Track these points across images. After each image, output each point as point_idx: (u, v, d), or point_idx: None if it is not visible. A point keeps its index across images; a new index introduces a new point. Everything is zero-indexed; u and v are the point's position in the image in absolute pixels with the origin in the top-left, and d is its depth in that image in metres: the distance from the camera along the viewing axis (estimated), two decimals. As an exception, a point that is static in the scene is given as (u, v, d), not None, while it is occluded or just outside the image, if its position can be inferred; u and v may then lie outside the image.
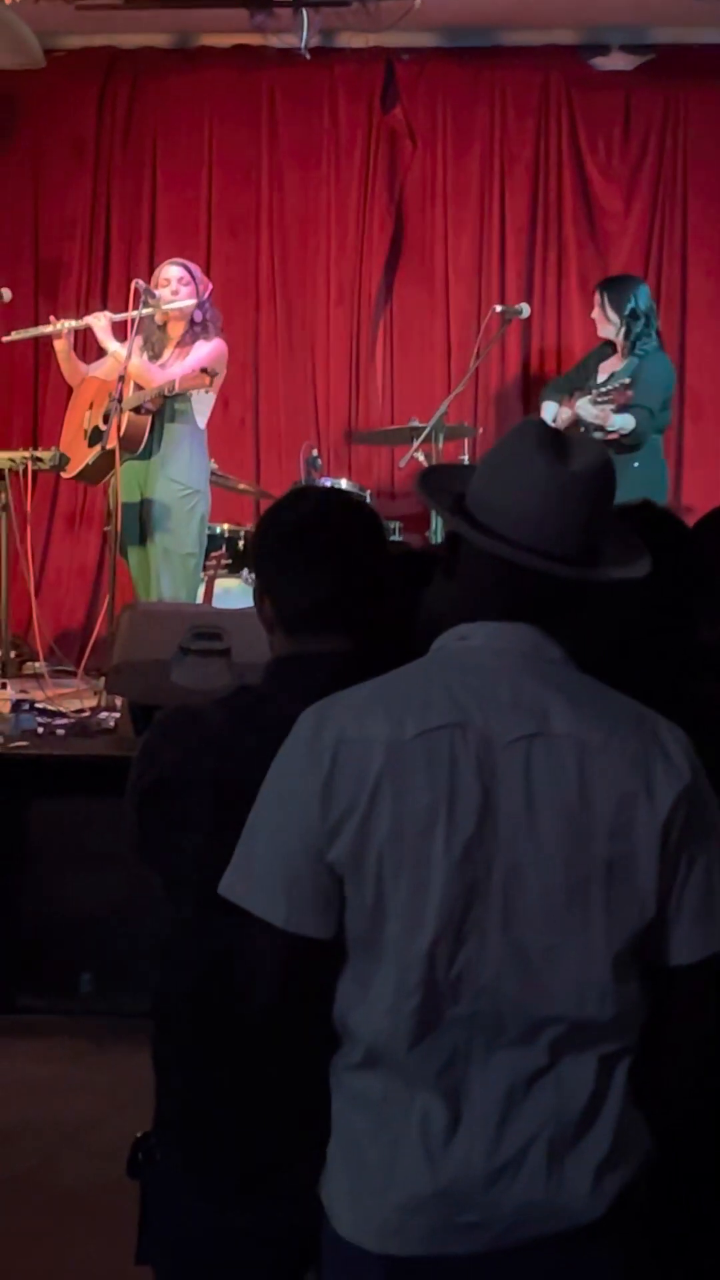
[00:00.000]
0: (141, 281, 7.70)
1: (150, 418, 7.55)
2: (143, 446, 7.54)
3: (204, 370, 7.45)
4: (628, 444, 7.65)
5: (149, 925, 2.64)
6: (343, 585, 2.54)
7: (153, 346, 7.68)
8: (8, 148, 9.89)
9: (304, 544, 2.56)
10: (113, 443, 7.36)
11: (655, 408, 7.78)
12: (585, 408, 7.71)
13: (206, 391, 7.59)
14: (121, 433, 7.40)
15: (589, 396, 7.74)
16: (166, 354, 7.71)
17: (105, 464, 7.57)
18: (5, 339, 8.29)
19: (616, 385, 7.66)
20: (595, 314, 8.16)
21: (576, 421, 7.73)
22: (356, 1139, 2.15)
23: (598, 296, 8.17)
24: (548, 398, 8.19)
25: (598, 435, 7.61)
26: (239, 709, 2.53)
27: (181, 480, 7.65)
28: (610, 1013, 2.10)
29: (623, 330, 7.98)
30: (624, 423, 7.67)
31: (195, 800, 2.46)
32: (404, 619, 2.59)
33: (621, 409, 7.64)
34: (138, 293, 7.57)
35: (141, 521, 7.64)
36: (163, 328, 7.72)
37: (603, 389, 7.73)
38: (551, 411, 7.94)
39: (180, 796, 2.48)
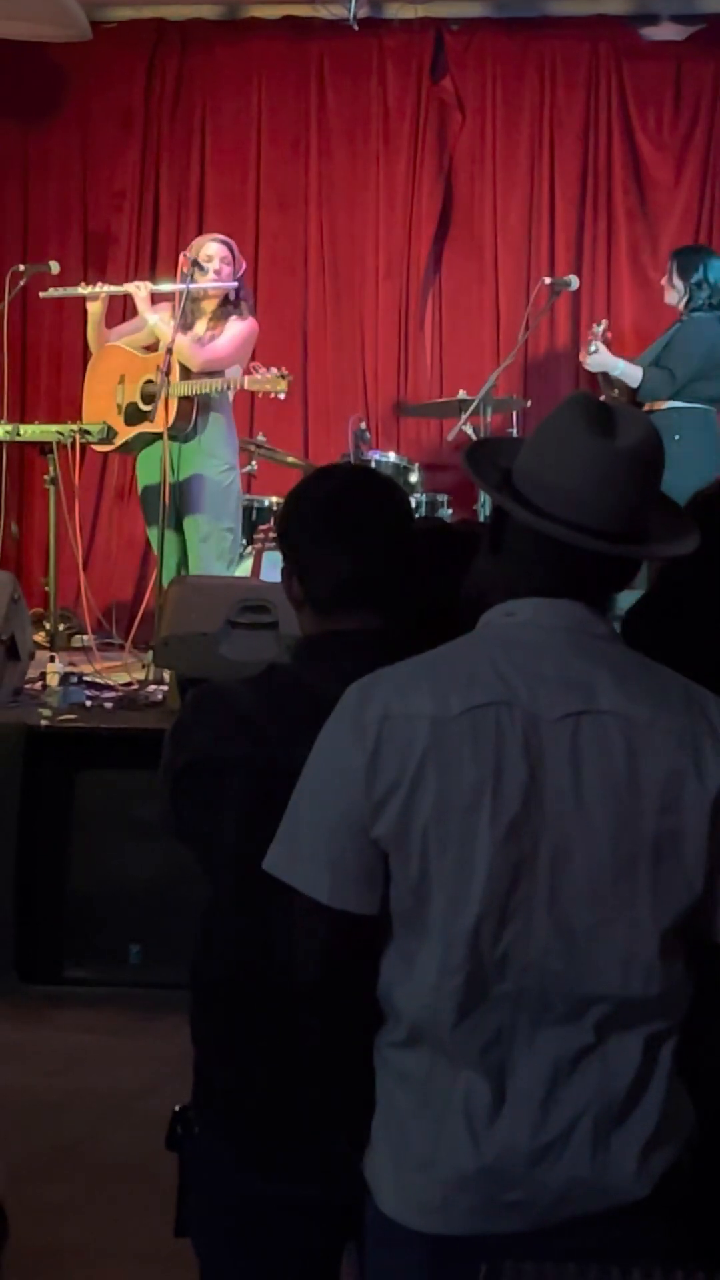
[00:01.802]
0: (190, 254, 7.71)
1: (195, 402, 7.57)
2: (190, 427, 7.58)
3: (282, 374, 7.46)
4: (642, 400, 7.64)
5: (196, 897, 2.65)
6: (371, 563, 2.52)
7: (185, 318, 7.67)
8: (57, 120, 9.91)
9: (331, 522, 2.54)
10: (162, 424, 7.37)
11: (681, 372, 7.73)
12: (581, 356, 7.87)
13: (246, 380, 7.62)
14: (172, 419, 7.43)
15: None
16: (200, 328, 7.71)
17: (142, 440, 7.60)
18: (42, 294, 8.30)
19: (594, 329, 7.81)
20: (664, 281, 8.14)
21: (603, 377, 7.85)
22: (400, 1116, 2.15)
23: (669, 263, 8.14)
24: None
25: (615, 392, 7.65)
26: (270, 689, 2.52)
27: (221, 456, 7.71)
28: (656, 991, 2.10)
29: (685, 298, 7.94)
30: (629, 373, 7.70)
31: (229, 782, 2.46)
32: (435, 596, 2.58)
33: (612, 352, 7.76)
34: (186, 264, 7.57)
35: (178, 501, 7.65)
36: (196, 301, 7.72)
37: (592, 334, 7.88)
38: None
39: (214, 778, 2.48)
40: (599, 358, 7.81)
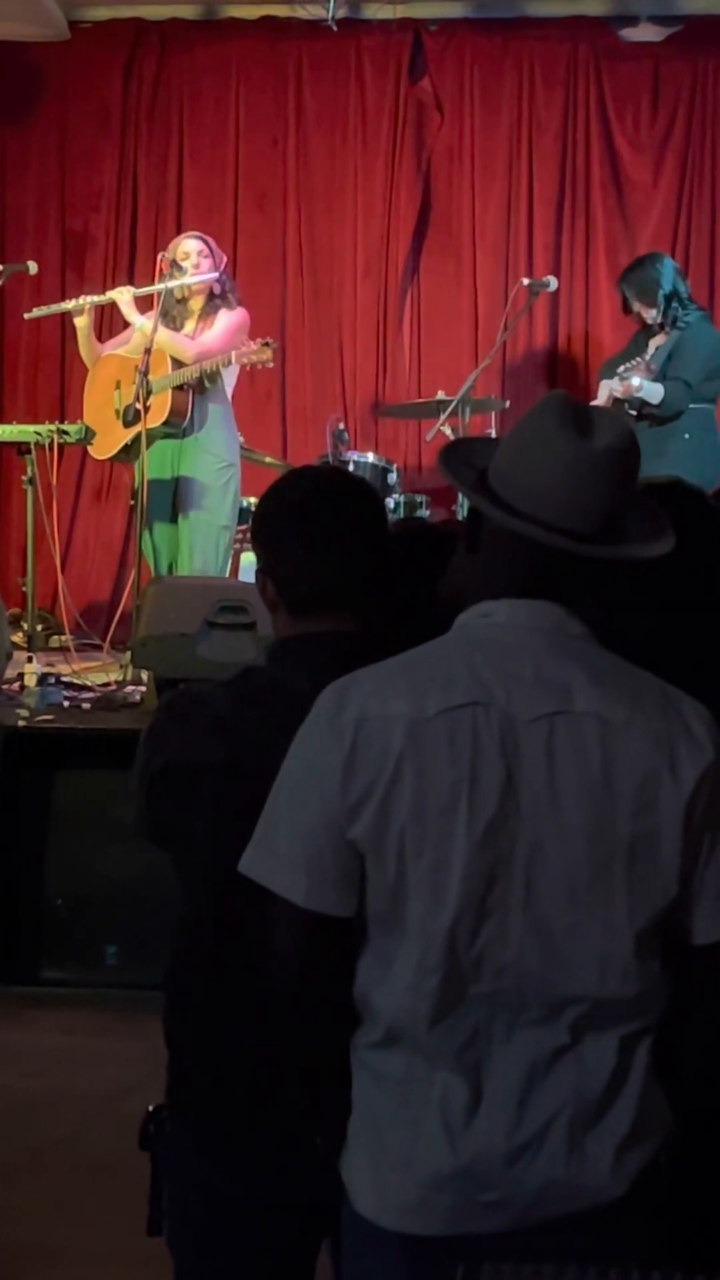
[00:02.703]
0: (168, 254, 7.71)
1: (191, 393, 7.57)
2: (186, 420, 7.58)
3: (266, 343, 7.47)
4: (659, 415, 7.63)
5: (173, 898, 2.65)
6: (346, 565, 2.52)
7: (172, 321, 7.66)
8: (34, 120, 9.89)
9: (305, 524, 2.54)
10: (150, 419, 7.36)
11: (694, 379, 7.74)
12: (614, 385, 7.74)
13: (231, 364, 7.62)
14: (167, 412, 7.42)
15: (616, 374, 7.77)
16: (189, 327, 7.71)
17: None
18: (27, 315, 8.30)
19: (637, 361, 7.72)
20: (634, 311, 8.09)
21: (613, 399, 7.75)
22: (377, 1117, 2.16)
23: (624, 293, 8.07)
24: (604, 377, 8.13)
25: (631, 411, 7.62)
26: (245, 692, 2.52)
27: (218, 454, 7.71)
28: (632, 991, 2.10)
29: (663, 313, 7.93)
30: (651, 391, 7.66)
31: (205, 785, 2.46)
32: (410, 598, 2.58)
33: (653, 378, 7.67)
34: (165, 265, 7.57)
35: (174, 498, 7.66)
36: (182, 301, 7.72)
37: (627, 365, 7.77)
38: (606, 391, 7.92)
39: (189, 781, 2.48)
40: (622, 385, 7.76)
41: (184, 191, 9.81)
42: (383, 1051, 2.14)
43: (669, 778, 2.09)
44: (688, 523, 2.37)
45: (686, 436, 7.60)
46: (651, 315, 7.97)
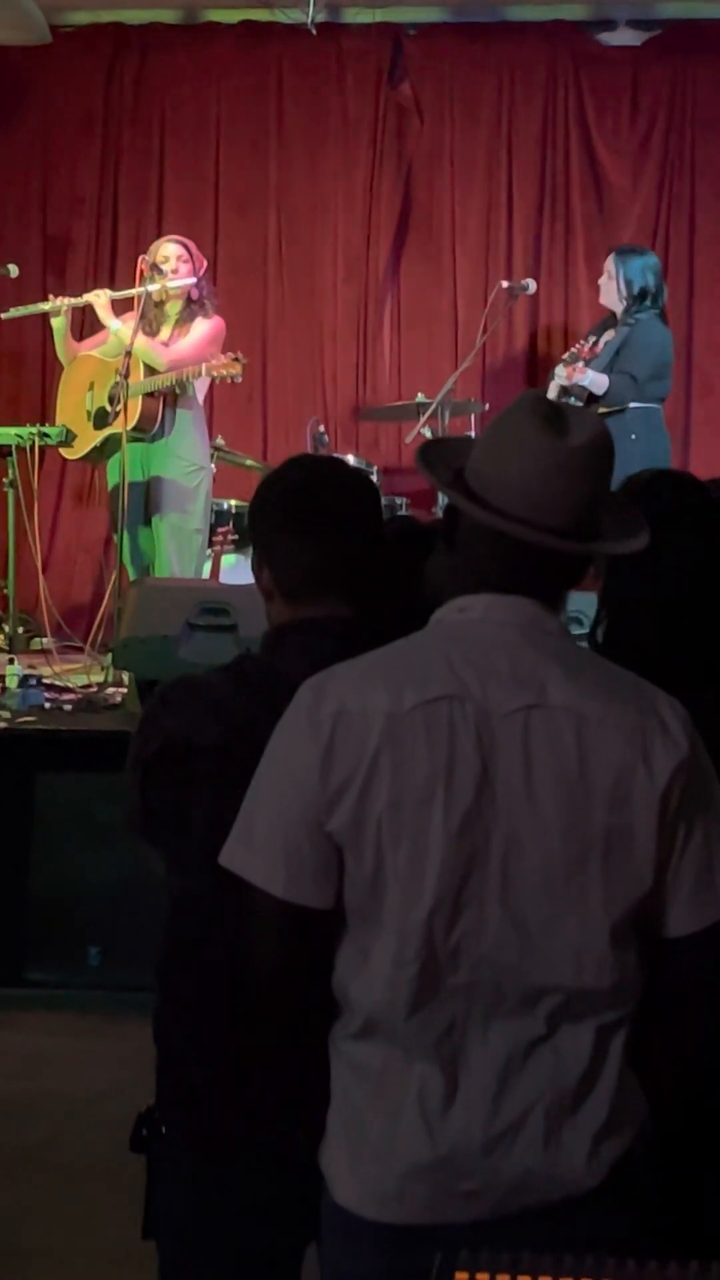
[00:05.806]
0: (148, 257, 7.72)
1: (162, 400, 7.58)
2: (156, 427, 7.59)
3: (236, 358, 7.48)
4: (604, 407, 7.66)
5: (156, 899, 2.65)
6: (341, 551, 2.54)
7: (149, 324, 7.67)
8: (16, 124, 9.89)
9: (301, 511, 2.56)
10: (124, 424, 7.37)
11: (640, 375, 7.78)
12: (558, 372, 7.81)
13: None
14: (137, 417, 7.43)
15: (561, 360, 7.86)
16: (165, 332, 7.72)
17: (113, 445, 7.60)
18: (3, 315, 8.30)
19: (584, 343, 7.78)
20: (603, 280, 8.14)
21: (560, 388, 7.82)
22: (355, 1108, 2.17)
23: (610, 264, 8.13)
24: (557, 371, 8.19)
25: (573, 400, 7.65)
26: (241, 676, 2.53)
27: (189, 458, 7.71)
28: (608, 982, 2.12)
29: (624, 304, 7.98)
30: (596, 381, 7.72)
31: (199, 768, 2.46)
32: (403, 587, 2.60)
33: (588, 364, 7.73)
34: (144, 269, 7.58)
35: (147, 501, 7.67)
36: (160, 305, 7.72)
37: (572, 350, 7.84)
38: (555, 386, 7.96)
39: (184, 764, 2.48)
40: (567, 370, 7.82)
41: (165, 195, 9.82)
42: (360, 1043, 2.16)
43: (643, 771, 2.11)
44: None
45: (633, 437, 7.59)
46: (614, 294, 8.00)
